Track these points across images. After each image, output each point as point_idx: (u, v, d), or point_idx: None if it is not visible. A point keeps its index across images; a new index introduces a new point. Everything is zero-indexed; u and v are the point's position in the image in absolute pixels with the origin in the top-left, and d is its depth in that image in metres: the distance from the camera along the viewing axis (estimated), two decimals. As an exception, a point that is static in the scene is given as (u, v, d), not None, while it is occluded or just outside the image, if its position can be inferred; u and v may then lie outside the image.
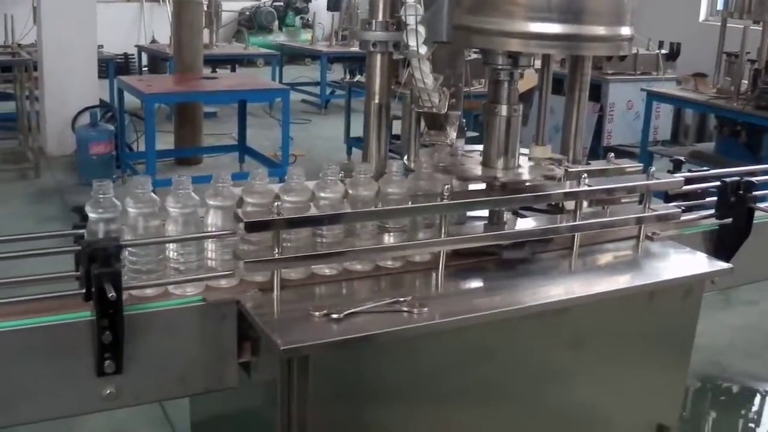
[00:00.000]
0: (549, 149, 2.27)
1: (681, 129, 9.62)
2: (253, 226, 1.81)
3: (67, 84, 8.16)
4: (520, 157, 2.24)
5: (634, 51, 8.73)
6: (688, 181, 2.44)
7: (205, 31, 10.27)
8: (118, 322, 1.65)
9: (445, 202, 1.90)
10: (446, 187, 1.90)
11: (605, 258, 2.22)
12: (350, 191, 1.99)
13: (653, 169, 2.28)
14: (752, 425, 3.97)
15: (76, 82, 8.17)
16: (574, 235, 2.17)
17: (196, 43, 8.33)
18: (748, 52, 6.55)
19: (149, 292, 1.79)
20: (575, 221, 2.13)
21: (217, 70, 10.74)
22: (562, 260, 2.16)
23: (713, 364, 4.28)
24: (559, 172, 2.15)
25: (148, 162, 6.63)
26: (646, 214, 2.27)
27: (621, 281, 2.08)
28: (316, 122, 10.73)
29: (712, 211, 2.56)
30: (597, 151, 8.47)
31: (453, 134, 2.16)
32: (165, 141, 8.29)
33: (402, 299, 1.82)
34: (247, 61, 13.01)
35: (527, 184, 2.08)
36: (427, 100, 2.00)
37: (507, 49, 1.94)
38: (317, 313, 1.75)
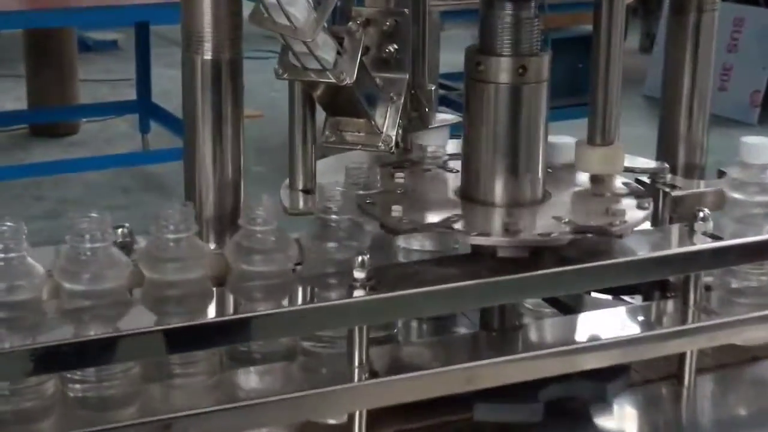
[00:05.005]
0: (620, 152, 1.60)
1: None
2: None
3: None
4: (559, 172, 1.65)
5: None
6: None
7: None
8: None
9: (351, 299, 1.33)
10: (360, 259, 1.32)
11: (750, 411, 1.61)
12: (146, 271, 1.36)
13: None
14: None
15: None
16: (683, 356, 1.56)
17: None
18: None
19: None
20: (685, 321, 1.54)
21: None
22: (655, 413, 1.56)
23: None
24: (633, 215, 1.48)
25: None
26: None
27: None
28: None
29: None
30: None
31: (391, 127, 1.52)
32: (18, 95, 7.19)
33: None
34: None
35: (561, 243, 1.46)
36: (308, 54, 1.34)
37: None
38: None
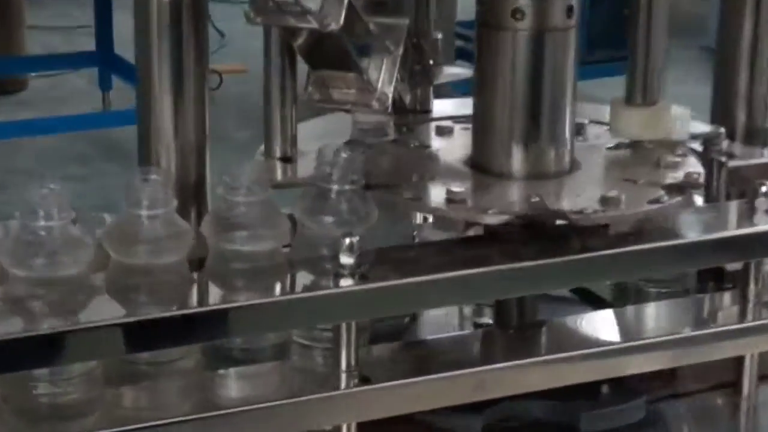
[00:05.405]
0: (666, 114, 1.61)
1: None
2: None
3: None
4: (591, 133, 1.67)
5: None
6: None
7: None
8: None
9: (336, 289, 1.33)
10: (347, 242, 1.32)
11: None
12: (113, 253, 1.38)
13: None
14: None
15: None
16: (741, 360, 1.55)
17: None
18: None
19: None
20: (743, 318, 1.54)
21: None
22: (708, 428, 1.61)
23: None
24: (633, 207, 1.47)
25: None
26: None
27: None
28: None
29: None
30: None
31: (387, 83, 1.52)
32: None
33: None
34: None
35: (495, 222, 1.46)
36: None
37: None
38: None
